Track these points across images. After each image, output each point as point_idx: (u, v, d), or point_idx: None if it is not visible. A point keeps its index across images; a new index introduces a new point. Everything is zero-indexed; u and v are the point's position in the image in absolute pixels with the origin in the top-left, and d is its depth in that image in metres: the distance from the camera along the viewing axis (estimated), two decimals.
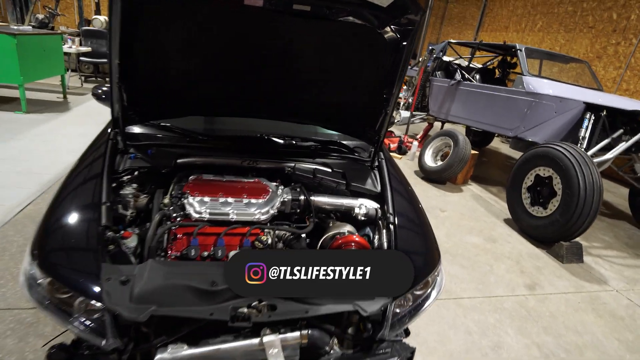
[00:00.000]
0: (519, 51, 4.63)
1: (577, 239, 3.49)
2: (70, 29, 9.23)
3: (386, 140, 6.50)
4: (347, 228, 1.72)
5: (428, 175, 5.11)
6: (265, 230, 1.61)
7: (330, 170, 1.94)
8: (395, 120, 7.57)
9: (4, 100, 5.63)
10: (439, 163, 5.09)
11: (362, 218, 1.77)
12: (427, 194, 4.60)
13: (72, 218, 1.38)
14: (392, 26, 1.43)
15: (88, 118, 5.48)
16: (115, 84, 1.64)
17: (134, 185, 1.71)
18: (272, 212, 1.65)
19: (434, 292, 1.53)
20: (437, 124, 6.93)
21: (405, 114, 7.02)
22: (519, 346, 2.26)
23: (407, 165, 5.72)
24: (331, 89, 1.91)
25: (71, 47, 7.07)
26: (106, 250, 1.33)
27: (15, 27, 5.46)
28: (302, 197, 1.77)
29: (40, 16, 7.13)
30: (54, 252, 1.28)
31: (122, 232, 1.51)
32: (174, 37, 1.62)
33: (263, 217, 1.62)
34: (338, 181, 1.88)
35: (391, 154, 6.28)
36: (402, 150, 6.39)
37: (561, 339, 2.38)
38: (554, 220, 3.42)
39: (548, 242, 3.59)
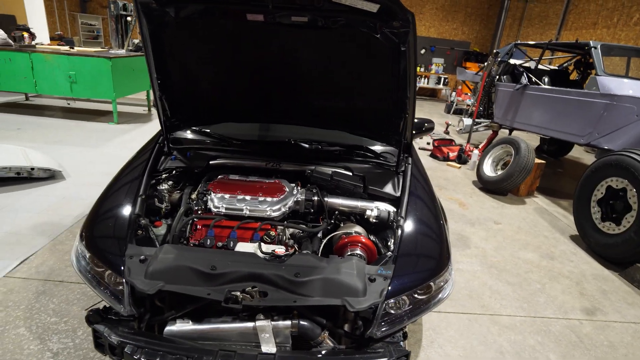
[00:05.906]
0: (593, 49, 4.14)
1: None
2: None
3: (445, 149, 6.23)
4: (356, 229, 1.75)
5: (486, 186, 4.79)
6: (279, 227, 1.72)
7: (350, 173, 1.99)
8: (458, 129, 7.23)
9: (101, 114, 6.66)
10: (499, 172, 4.75)
11: (374, 220, 1.78)
12: (482, 205, 4.32)
13: (112, 208, 1.65)
14: (387, 31, 1.46)
15: None
16: (157, 96, 1.91)
17: (170, 182, 1.96)
18: (283, 209, 1.75)
19: (439, 296, 1.49)
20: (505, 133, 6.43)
21: (467, 121, 6.68)
22: None
23: (466, 175, 5.42)
24: (349, 96, 1.98)
25: None
26: (135, 234, 1.56)
27: (113, 52, 6.45)
28: (315, 198, 1.84)
29: (136, 41, 8.32)
30: (95, 234, 1.55)
31: (155, 221, 1.76)
32: (201, 53, 1.84)
33: (274, 214, 1.73)
34: (355, 184, 1.92)
35: (450, 163, 6.02)
36: (462, 159, 6.06)
37: None
38: (628, 239, 2.97)
39: (621, 264, 3.12)
